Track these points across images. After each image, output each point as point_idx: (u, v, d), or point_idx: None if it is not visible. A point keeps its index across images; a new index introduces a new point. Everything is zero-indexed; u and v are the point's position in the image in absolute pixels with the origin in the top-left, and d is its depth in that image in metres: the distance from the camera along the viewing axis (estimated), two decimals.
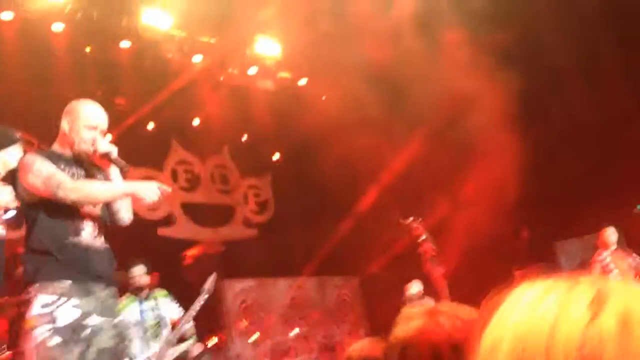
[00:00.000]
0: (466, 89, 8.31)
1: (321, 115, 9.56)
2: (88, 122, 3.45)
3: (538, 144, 8.40)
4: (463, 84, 8.44)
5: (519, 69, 8.27)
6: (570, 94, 8.75)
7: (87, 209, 3.38)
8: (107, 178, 3.49)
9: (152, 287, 5.86)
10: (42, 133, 8.77)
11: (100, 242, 3.38)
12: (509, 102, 8.11)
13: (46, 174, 3.25)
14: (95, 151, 3.42)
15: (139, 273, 5.75)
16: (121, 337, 3.37)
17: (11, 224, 4.16)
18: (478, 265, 7.55)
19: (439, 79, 8.69)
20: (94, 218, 3.39)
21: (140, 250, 6.60)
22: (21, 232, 8.63)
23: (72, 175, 3.38)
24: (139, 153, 9.58)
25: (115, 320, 3.33)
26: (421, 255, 5.71)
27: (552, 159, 8.61)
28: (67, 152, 3.46)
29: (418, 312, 1.80)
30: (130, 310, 5.63)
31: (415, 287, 7.70)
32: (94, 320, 3.19)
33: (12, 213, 3.72)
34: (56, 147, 3.51)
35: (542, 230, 8.71)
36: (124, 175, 3.58)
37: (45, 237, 3.25)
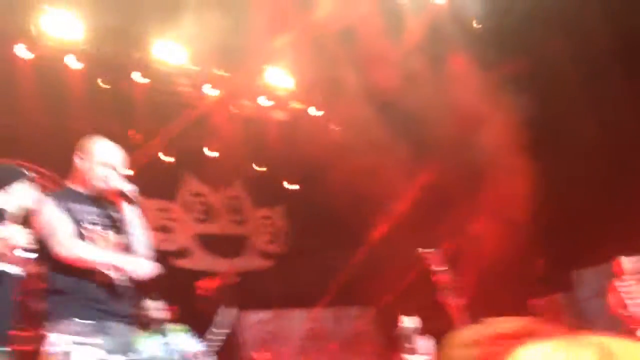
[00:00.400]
0: (478, 116, 8.28)
1: (334, 145, 9.56)
2: (101, 160, 3.46)
3: (553, 171, 8.33)
4: (475, 111, 8.43)
5: (532, 96, 8.24)
6: (585, 121, 8.69)
7: (107, 246, 3.37)
8: (121, 215, 3.48)
9: (171, 321, 5.81)
10: (58, 165, 8.85)
11: (119, 279, 3.36)
12: (522, 129, 8.08)
13: (51, 226, 3.27)
14: (109, 188, 3.43)
15: (159, 308, 5.71)
16: None
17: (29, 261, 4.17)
18: (493, 295, 7.43)
19: (450, 105, 8.69)
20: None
21: (156, 281, 6.55)
22: (34, 268, 8.61)
23: (87, 213, 3.38)
24: (152, 184, 9.61)
25: (134, 358, 3.30)
26: (436, 284, 5.66)
27: (567, 187, 8.52)
28: (81, 190, 3.47)
29: (475, 338, 1.71)
30: (152, 346, 5.57)
31: (408, 322, 7.40)
32: (112, 358, 3.16)
33: (33, 254, 3.71)
34: (70, 184, 3.53)
35: (558, 259, 8.59)
36: (145, 209, 3.58)
37: (62, 276, 3.24)
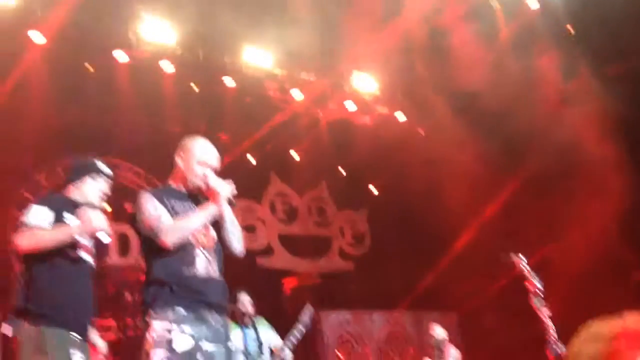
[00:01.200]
0: (570, 123, 8.07)
1: (419, 149, 9.53)
2: (200, 158, 3.61)
3: None
4: (567, 118, 8.21)
5: (628, 99, 7.97)
6: None
7: (201, 241, 3.52)
8: (221, 213, 3.61)
9: (253, 315, 5.99)
10: (149, 164, 9.26)
11: (214, 272, 3.50)
12: (618, 133, 7.82)
13: (152, 217, 3.43)
14: (207, 186, 3.57)
15: (245, 302, 5.90)
16: None
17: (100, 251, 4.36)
18: (585, 308, 7.19)
19: (541, 111, 8.50)
20: (207, 250, 3.53)
21: (240, 279, 6.75)
22: (128, 260, 8.99)
23: (186, 209, 3.55)
24: (239, 185, 9.75)
25: (227, 347, 3.43)
26: (527, 291, 5.55)
27: None
28: (182, 189, 3.63)
29: (609, 328, 1.66)
30: (242, 338, 5.77)
31: (439, 332, 7.48)
32: (207, 347, 3.30)
33: (107, 238, 3.91)
34: (171, 182, 3.69)
35: None
36: (233, 209, 3.71)
37: (161, 269, 3.41)
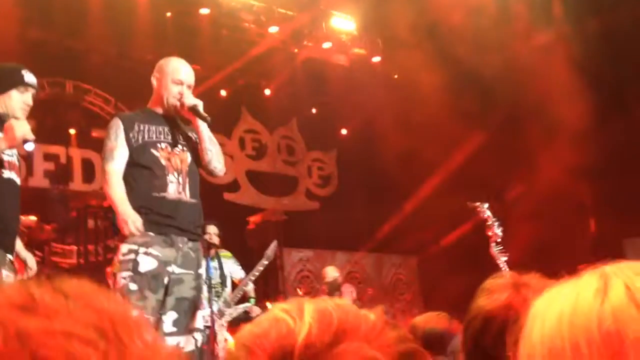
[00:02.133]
0: (545, 75, 8.12)
1: (392, 94, 9.53)
2: (175, 77, 3.57)
3: (614, 140, 8.16)
4: (542, 71, 8.26)
5: (602, 62, 8.03)
6: None
7: (175, 164, 3.51)
8: (196, 132, 3.60)
9: (217, 247, 6.04)
10: (119, 91, 9.10)
11: (185, 197, 3.50)
12: (589, 94, 7.90)
13: (108, 148, 3.41)
14: (182, 105, 3.53)
15: (212, 232, 5.93)
16: (199, 289, 3.51)
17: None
18: (542, 257, 7.42)
19: (516, 64, 8.52)
20: (180, 173, 3.52)
21: (205, 212, 6.77)
22: (93, 187, 8.89)
23: (160, 134, 3.52)
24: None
25: (198, 273, 3.47)
26: (487, 238, 5.69)
27: (626, 157, 8.35)
28: (159, 110, 3.59)
29: (503, 284, 1.76)
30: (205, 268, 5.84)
31: (331, 274, 7.56)
32: (174, 270, 3.33)
33: (31, 145, 3.71)
34: (149, 105, 3.66)
35: (610, 227, 8.49)
36: (210, 127, 3.68)
37: (131, 191, 3.40)
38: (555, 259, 7.28)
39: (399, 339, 0.85)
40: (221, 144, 10.61)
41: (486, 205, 6.17)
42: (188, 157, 3.57)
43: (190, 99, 3.53)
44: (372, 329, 0.84)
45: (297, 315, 0.84)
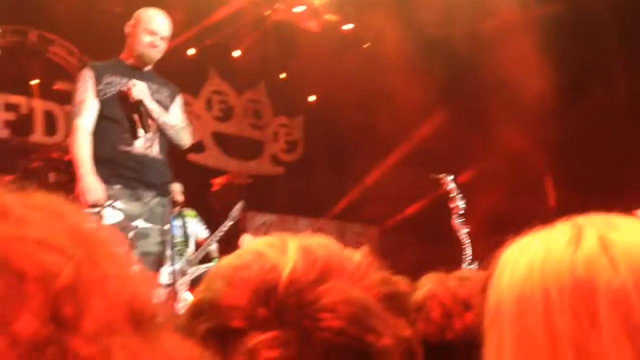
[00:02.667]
0: (511, 53, 8.19)
1: (362, 63, 9.50)
2: (148, 26, 3.50)
3: (575, 120, 8.31)
4: (508, 48, 8.32)
5: (567, 42, 8.13)
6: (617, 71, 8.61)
7: (143, 120, 3.46)
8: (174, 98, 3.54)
9: (182, 205, 6.01)
10: (84, 43, 8.87)
11: (155, 152, 3.46)
12: (552, 74, 8.00)
13: (77, 101, 3.34)
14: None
15: (176, 190, 5.89)
16: (165, 245, 3.49)
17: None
18: (501, 230, 7.54)
19: (483, 40, 8.57)
20: (149, 128, 3.47)
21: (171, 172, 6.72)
22: (54, 139, 8.72)
23: (122, 85, 3.45)
24: (176, 78, 9.56)
25: (163, 229, 3.45)
26: (450, 210, 5.78)
27: (586, 137, 8.51)
28: (130, 61, 3.53)
29: (430, 278, 1.88)
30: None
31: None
32: (140, 224, 3.30)
33: None
34: (122, 55, 3.59)
35: (569, 203, 8.67)
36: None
37: (98, 144, 3.34)
38: (515, 232, 7.41)
39: (383, 281, 0.85)
40: (188, 104, 10.47)
41: (450, 177, 6.26)
42: (160, 115, 3.52)
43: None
44: (357, 269, 0.84)
45: (281, 251, 0.83)
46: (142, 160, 3.38)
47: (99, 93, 3.42)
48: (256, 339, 0.75)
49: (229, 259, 0.88)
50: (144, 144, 3.41)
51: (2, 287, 0.46)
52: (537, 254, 0.84)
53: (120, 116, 3.39)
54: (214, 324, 0.79)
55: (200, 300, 0.83)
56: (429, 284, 1.78)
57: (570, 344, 0.75)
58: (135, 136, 3.39)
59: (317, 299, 0.77)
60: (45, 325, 0.46)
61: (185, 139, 3.64)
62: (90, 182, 3.17)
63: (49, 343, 0.46)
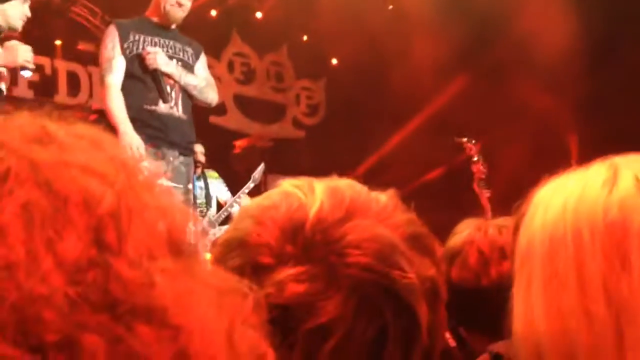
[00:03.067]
0: (536, 10, 8.04)
1: (385, 26, 9.38)
2: None
3: (601, 85, 8.18)
4: (534, 6, 8.18)
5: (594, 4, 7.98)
6: None
7: (169, 80, 3.48)
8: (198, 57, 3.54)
9: (203, 168, 6.04)
10: (107, 4, 8.87)
11: (179, 111, 3.48)
12: (580, 31, 7.86)
13: (106, 58, 3.34)
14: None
15: (199, 151, 5.92)
16: (187, 205, 3.52)
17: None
18: (524, 193, 7.49)
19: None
20: (173, 87, 3.49)
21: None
22: (78, 100, 8.76)
23: (154, 45, 3.46)
24: (198, 39, 9.58)
25: (186, 188, 3.48)
26: (473, 175, 5.76)
27: (612, 104, 8.38)
28: (155, 20, 3.53)
29: (466, 224, 1.87)
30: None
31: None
32: (163, 183, 3.33)
33: (28, 73, 3.72)
34: (148, 13, 3.59)
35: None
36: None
37: (124, 102, 3.36)
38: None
39: (409, 222, 0.86)
40: (210, 66, 10.42)
41: (473, 141, 6.22)
42: (183, 73, 3.53)
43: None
44: (384, 209, 0.85)
45: (308, 191, 0.84)
46: (167, 119, 3.41)
47: (124, 51, 3.44)
48: (284, 273, 0.77)
49: (257, 200, 0.90)
50: (169, 104, 3.44)
51: (47, 209, 0.47)
52: (571, 194, 0.84)
53: (145, 75, 3.41)
54: (243, 261, 0.81)
55: (229, 238, 0.85)
56: (467, 230, 1.78)
57: (600, 286, 0.75)
58: (163, 97, 3.41)
59: (344, 236, 0.79)
60: (89, 248, 0.47)
61: (211, 96, 3.65)
62: (131, 136, 3.21)
63: (93, 265, 0.47)
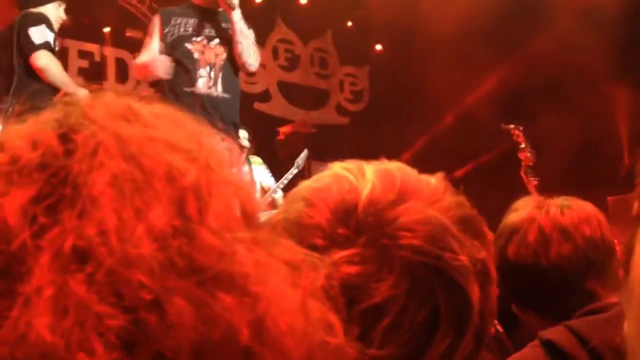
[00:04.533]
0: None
1: (430, 12, 9.27)
2: None
3: None
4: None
5: None
6: None
7: (208, 57, 3.51)
8: (231, 22, 3.58)
9: (248, 153, 6.09)
10: None
11: (217, 90, 3.51)
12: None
13: (144, 43, 3.42)
14: None
15: (242, 137, 5.97)
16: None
17: None
18: (571, 185, 7.35)
19: None
20: (213, 67, 3.52)
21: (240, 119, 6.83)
22: (126, 86, 8.83)
23: (195, 27, 3.50)
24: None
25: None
26: (519, 161, 5.68)
27: None
28: (199, 2, 3.58)
29: (527, 201, 1.83)
30: None
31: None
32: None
33: None
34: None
35: None
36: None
37: (164, 86, 3.42)
38: (586, 188, 7.21)
39: (459, 204, 0.86)
40: None
41: (520, 128, 6.13)
42: (223, 51, 3.56)
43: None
44: (434, 192, 0.86)
45: (359, 174, 0.85)
46: (205, 99, 3.44)
47: (165, 36, 3.49)
48: (337, 254, 0.78)
49: (309, 182, 0.91)
50: (207, 83, 3.47)
51: (135, 181, 0.50)
52: None
53: (184, 56, 3.45)
54: (295, 241, 0.82)
55: (281, 220, 0.86)
56: (527, 207, 1.75)
57: None
58: (197, 76, 3.46)
59: (396, 218, 0.79)
60: (173, 218, 0.50)
61: (253, 58, 3.66)
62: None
63: (178, 233, 0.50)
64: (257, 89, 9.92)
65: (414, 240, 0.78)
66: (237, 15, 3.56)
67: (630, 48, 7.93)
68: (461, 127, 9.41)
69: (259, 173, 6.17)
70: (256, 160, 6.26)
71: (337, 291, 0.57)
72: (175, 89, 3.44)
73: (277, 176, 6.42)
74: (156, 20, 3.59)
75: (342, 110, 10.75)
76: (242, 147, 5.85)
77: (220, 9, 3.69)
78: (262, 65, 10.02)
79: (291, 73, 10.33)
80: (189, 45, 3.48)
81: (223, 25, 3.63)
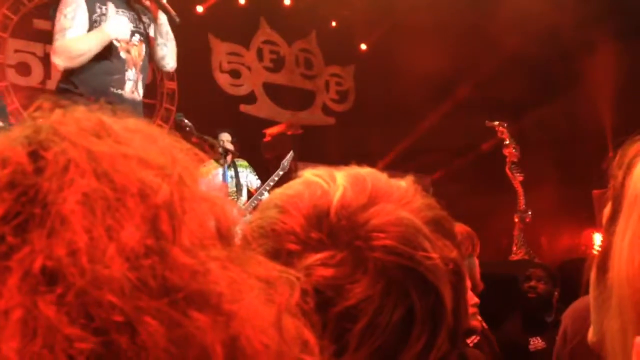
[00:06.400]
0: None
1: (414, 11, 9.31)
2: None
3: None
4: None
5: None
6: None
7: (134, 57, 3.41)
8: (155, 23, 3.48)
9: (234, 156, 6.09)
10: None
11: (139, 95, 3.44)
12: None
13: (57, 27, 3.25)
14: None
15: (225, 140, 5.97)
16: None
17: None
18: (557, 179, 7.40)
19: None
20: (136, 68, 3.43)
21: (223, 124, 6.82)
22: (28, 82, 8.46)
23: (119, 23, 3.39)
24: (227, 27, 9.65)
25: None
26: (504, 158, 5.73)
27: None
28: None
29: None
30: (214, 175, 5.90)
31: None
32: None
33: None
34: None
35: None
36: (173, 24, 3.55)
37: (87, 82, 3.31)
38: (571, 183, 7.27)
39: (429, 206, 0.88)
40: (239, 55, 10.42)
41: (505, 124, 6.17)
42: (144, 49, 3.47)
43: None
44: (405, 194, 0.87)
45: (330, 179, 0.87)
46: (130, 105, 3.32)
47: (91, 25, 3.36)
48: (311, 258, 0.80)
49: (281, 189, 0.92)
50: (132, 87, 3.40)
51: (107, 199, 0.49)
52: None
53: (111, 54, 3.32)
54: (270, 248, 0.83)
55: (255, 227, 0.87)
56: None
57: None
58: (125, 78, 3.36)
59: (368, 220, 0.81)
60: (146, 237, 0.49)
61: (174, 60, 3.55)
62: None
63: (150, 252, 0.49)
64: (242, 91, 9.92)
65: (386, 240, 0.80)
66: (163, 16, 3.45)
67: None
68: (446, 124, 9.44)
69: (245, 176, 6.17)
70: (242, 163, 6.26)
71: (311, 307, 0.56)
72: (104, 89, 3.29)
73: (265, 178, 6.42)
74: (79, 2, 3.34)
75: (328, 110, 10.76)
76: (227, 150, 5.85)
77: (141, 5, 3.53)
78: (247, 67, 10.05)
79: (276, 74, 10.33)
80: (115, 42, 3.36)
81: (144, 20, 3.51)
